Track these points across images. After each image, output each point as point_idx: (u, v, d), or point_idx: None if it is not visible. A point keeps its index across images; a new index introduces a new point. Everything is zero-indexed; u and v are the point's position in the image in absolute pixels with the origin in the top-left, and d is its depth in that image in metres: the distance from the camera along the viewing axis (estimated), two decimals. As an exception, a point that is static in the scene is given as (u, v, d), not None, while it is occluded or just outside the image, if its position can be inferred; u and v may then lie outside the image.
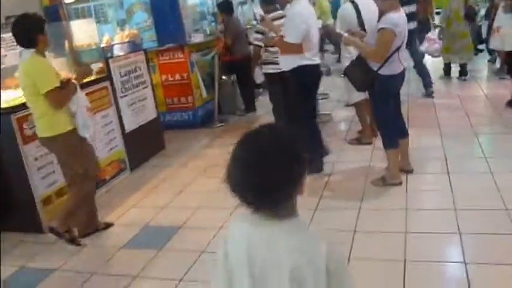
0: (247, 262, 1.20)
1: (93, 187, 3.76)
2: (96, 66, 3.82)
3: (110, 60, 5.04)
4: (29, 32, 3.31)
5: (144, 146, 5.45)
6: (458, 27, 7.45)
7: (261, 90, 7.42)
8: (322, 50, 10.75)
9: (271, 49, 5.20)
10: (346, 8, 4.66)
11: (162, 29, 6.50)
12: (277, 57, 4.61)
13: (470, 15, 7.44)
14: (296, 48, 4.05)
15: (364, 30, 4.44)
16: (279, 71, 4.72)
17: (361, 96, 4.87)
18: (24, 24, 3.34)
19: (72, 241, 3.64)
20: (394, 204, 3.67)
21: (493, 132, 5.10)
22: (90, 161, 3.64)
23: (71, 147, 3.47)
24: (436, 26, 7.66)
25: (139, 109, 5.41)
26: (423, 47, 7.12)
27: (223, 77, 7.00)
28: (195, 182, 4.75)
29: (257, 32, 5.49)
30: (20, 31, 3.33)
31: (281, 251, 1.17)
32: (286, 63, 4.24)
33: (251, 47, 6.77)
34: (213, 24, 7.48)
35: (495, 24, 6.07)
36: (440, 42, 7.41)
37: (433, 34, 7.33)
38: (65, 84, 3.39)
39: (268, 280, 1.18)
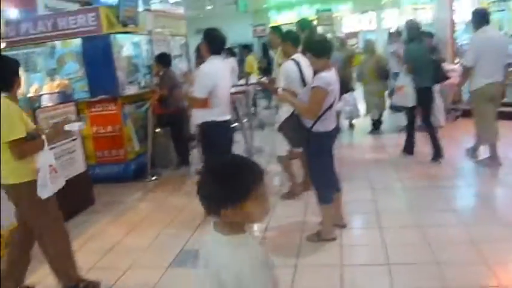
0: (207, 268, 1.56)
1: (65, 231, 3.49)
2: (74, 126, 3.50)
3: (38, 111, 4.83)
4: (7, 74, 3.11)
5: (71, 200, 5.14)
6: (375, 86, 8.10)
7: (194, 143, 7.37)
8: (255, 104, 10.98)
9: None
10: (289, 65, 4.78)
11: (94, 80, 6.37)
12: None
13: (383, 74, 8.04)
14: (201, 103, 4.25)
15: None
16: None
17: (284, 151, 5.02)
18: (2, 67, 3.13)
19: (92, 285, 3.46)
20: (330, 260, 3.66)
21: (419, 186, 5.29)
22: (55, 216, 3.39)
23: (35, 198, 3.18)
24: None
25: (67, 162, 5.16)
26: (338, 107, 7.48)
27: (157, 130, 6.89)
28: (126, 240, 4.52)
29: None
30: None
31: (218, 261, 1.50)
32: (196, 117, 4.46)
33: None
34: (148, 76, 7.43)
35: (398, 84, 6.74)
36: (353, 105, 7.85)
37: (350, 95, 7.70)
38: (33, 136, 3.13)
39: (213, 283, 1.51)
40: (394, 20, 15.80)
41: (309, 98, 3.74)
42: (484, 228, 3.99)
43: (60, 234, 3.44)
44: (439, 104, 7.41)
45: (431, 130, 6.22)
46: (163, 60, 6.91)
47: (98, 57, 6.32)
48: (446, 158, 6.04)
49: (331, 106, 3.76)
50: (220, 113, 4.33)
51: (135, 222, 4.96)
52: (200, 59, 5.46)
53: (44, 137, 3.23)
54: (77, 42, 6.46)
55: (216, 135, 4.31)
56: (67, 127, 3.46)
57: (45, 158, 3.20)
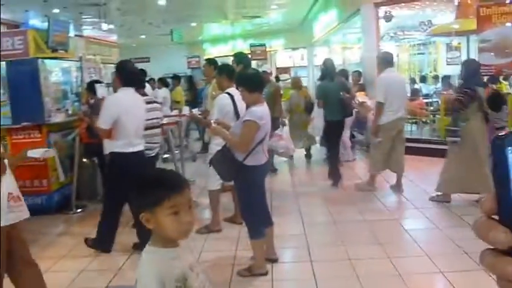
0: None
1: None
2: (37, 153, 3.16)
3: (-49, 138, 4.50)
4: None
5: (-14, 234, 4.80)
6: (300, 118, 8.59)
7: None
8: (187, 135, 10.90)
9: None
10: (223, 99, 4.78)
11: (18, 105, 6.05)
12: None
13: (308, 108, 8.50)
14: (103, 133, 4.39)
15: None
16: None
17: (217, 184, 5.03)
18: None
19: None
20: (261, 295, 3.62)
21: (347, 220, 5.40)
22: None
23: None
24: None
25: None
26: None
27: (84, 160, 6.62)
28: (47, 276, 4.21)
29: None
30: None
31: None
32: (105, 147, 4.60)
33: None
34: (77, 103, 7.17)
35: (311, 116, 7.51)
36: (286, 139, 8.06)
37: (281, 131, 7.85)
38: None
39: None
40: (325, 57, 16.42)
41: (241, 131, 3.75)
42: (409, 261, 4.13)
43: None
44: (345, 140, 7.97)
45: (333, 160, 6.94)
46: (95, 87, 6.71)
47: (23, 82, 6.04)
48: (375, 192, 6.25)
49: (262, 140, 3.79)
50: (126, 145, 4.33)
51: (55, 258, 4.67)
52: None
53: (6, 161, 2.99)
54: (1, 65, 6.16)
55: (119, 169, 4.26)
56: (30, 153, 3.19)
57: (5, 184, 2.95)
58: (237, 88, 4.60)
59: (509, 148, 0.46)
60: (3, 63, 6.07)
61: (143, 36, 20.29)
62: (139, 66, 14.34)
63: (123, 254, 4.50)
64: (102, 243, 4.60)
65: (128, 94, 4.39)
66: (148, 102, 5.33)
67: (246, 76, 4.09)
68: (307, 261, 4.21)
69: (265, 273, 3.93)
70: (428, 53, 13.18)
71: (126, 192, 1.74)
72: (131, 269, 4.11)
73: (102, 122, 4.28)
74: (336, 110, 6.72)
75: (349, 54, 13.01)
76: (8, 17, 10.68)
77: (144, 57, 22.74)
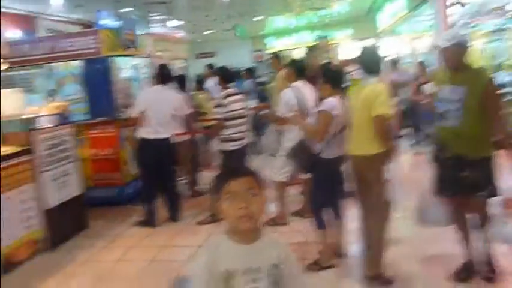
0: None
1: None
2: None
3: (34, 133, 4.77)
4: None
5: (65, 224, 5.06)
6: None
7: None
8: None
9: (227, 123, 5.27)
10: (287, 92, 4.83)
11: (93, 102, 6.33)
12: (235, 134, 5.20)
13: None
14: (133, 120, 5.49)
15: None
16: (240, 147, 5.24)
17: (283, 177, 5.07)
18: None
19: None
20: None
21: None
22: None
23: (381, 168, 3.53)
24: None
25: (63, 184, 5.08)
26: None
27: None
28: (118, 266, 4.40)
29: (217, 106, 5.40)
30: None
31: None
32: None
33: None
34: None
35: None
36: None
37: None
38: None
39: None
40: (391, 48, 15.96)
41: (316, 121, 3.79)
42: None
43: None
44: None
45: None
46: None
47: (97, 79, 6.30)
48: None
49: (336, 133, 3.77)
50: (150, 132, 5.32)
51: (128, 247, 4.85)
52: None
53: None
54: (76, 64, 6.46)
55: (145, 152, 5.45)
56: None
57: None
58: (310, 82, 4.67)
59: None
60: (79, 62, 6.38)
61: (208, 32, 20.64)
62: (205, 61, 14.66)
63: (190, 246, 4.60)
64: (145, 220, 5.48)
65: (155, 89, 5.49)
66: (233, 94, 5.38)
67: (328, 71, 4.17)
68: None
69: (333, 266, 3.89)
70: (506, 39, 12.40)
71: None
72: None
73: (133, 111, 5.43)
74: None
75: (419, 43, 12.51)
76: (82, 17, 11.19)
77: (209, 52, 23.19)
